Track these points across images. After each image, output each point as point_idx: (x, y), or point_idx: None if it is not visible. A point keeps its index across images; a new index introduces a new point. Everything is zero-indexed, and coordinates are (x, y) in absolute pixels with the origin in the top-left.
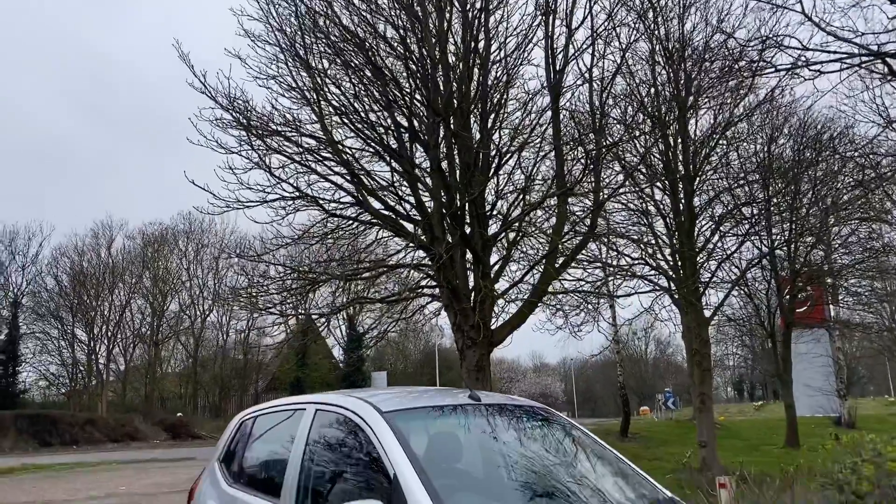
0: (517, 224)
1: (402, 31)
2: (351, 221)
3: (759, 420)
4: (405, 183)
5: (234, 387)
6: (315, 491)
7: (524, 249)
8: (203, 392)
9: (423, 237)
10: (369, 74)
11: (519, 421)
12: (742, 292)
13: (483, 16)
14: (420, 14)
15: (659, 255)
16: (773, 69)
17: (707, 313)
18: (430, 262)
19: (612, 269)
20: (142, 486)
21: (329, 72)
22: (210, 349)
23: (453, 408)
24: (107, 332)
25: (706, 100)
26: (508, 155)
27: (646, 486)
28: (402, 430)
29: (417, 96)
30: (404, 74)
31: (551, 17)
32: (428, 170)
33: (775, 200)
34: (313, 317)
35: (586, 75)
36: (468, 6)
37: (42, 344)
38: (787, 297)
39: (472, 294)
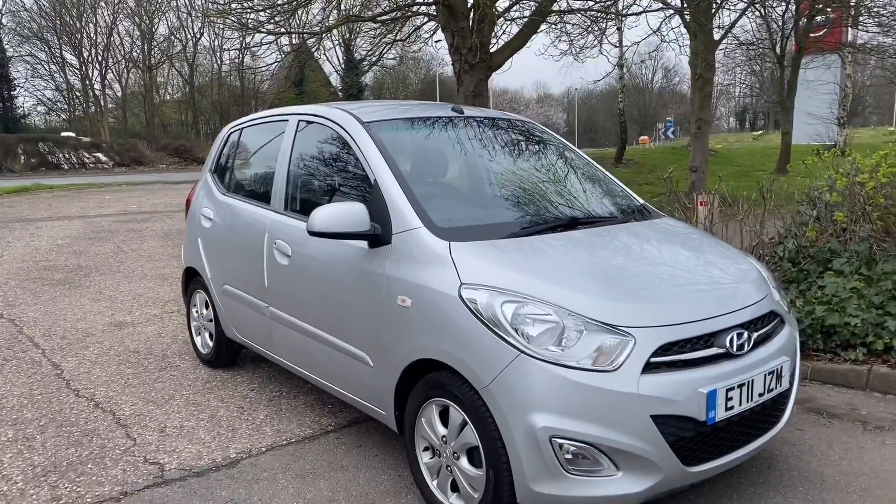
0: None
1: None
2: None
3: (756, 148)
4: None
5: (233, 113)
6: (301, 198)
7: None
8: (204, 119)
9: None
10: None
11: (503, 132)
12: (757, 13)
13: None
14: None
15: None
16: None
17: (717, 35)
18: None
19: None
20: (151, 204)
21: None
22: (206, 76)
23: (436, 119)
24: (96, 56)
25: None
26: None
27: (622, 196)
28: (382, 138)
29: None
30: None
31: None
32: None
33: None
34: (304, 36)
35: None
36: None
37: (32, 68)
38: (805, 19)
39: (471, 12)
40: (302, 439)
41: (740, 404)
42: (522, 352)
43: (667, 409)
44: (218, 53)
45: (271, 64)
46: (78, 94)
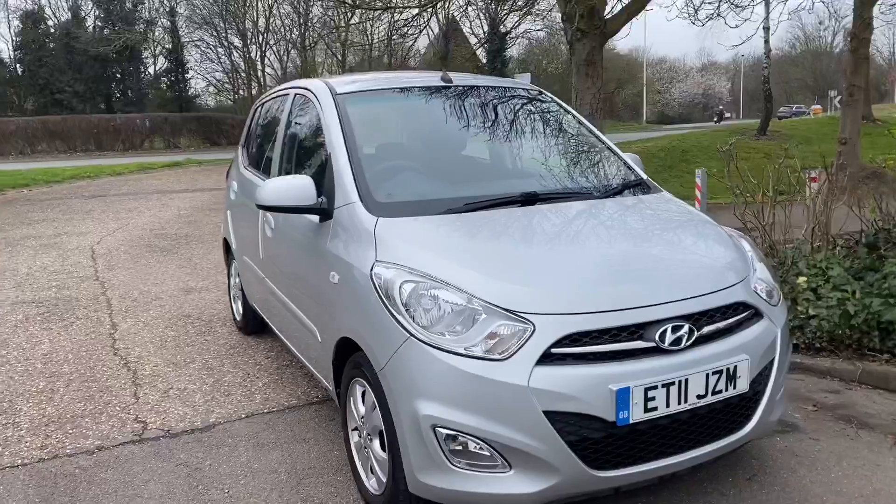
0: None
1: None
2: None
3: None
4: None
5: None
6: (287, 171)
7: None
8: None
9: None
10: None
11: (493, 102)
12: None
13: None
14: None
15: None
16: None
17: None
18: None
19: None
20: None
21: None
22: (357, 54)
23: (420, 89)
24: (257, 38)
25: None
26: None
27: (615, 170)
28: (348, 110)
29: None
30: None
31: None
32: None
33: None
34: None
35: None
36: None
37: (202, 52)
38: None
39: None
40: (284, 409)
41: (668, 406)
42: (412, 335)
43: (564, 406)
44: (368, 32)
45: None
46: (241, 74)
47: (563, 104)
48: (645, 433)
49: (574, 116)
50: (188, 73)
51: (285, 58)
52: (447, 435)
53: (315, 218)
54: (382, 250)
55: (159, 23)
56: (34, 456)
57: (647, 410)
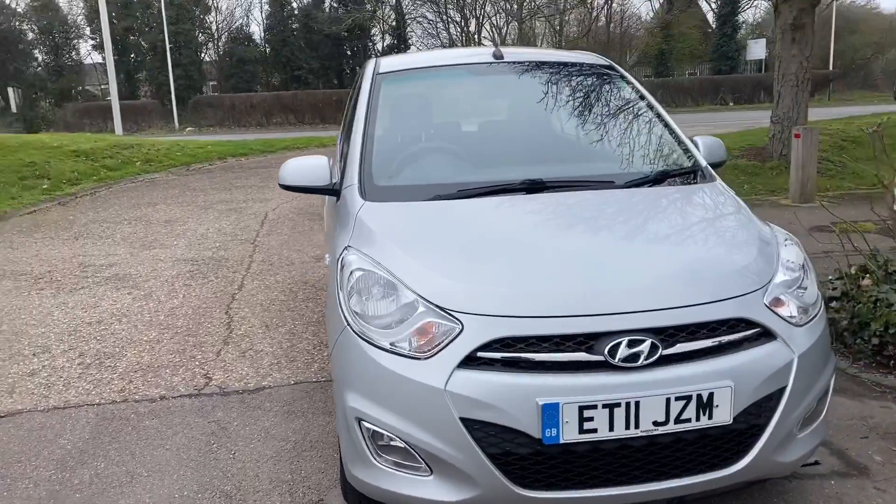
0: None
1: None
2: None
3: None
4: None
5: None
6: (342, 149)
7: None
8: None
9: None
10: None
11: (542, 82)
12: None
13: None
14: None
15: None
16: None
17: None
18: None
19: None
20: None
21: None
22: (573, 26)
23: (464, 67)
24: (476, 10)
25: None
26: None
27: (672, 155)
28: (381, 91)
29: None
30: None
31: None
32: None
33: None
34: None
35: None
36: None
37: (423, 27)
38: None
39: None
40: (330, 381)
41: (612, 429)
42: (348, 324)
43: (483, 415)
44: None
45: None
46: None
47: (632, 80)
48: (584, 456)
49: (639, 94)
50: (409, 48)
51: (505, 28)
52: (373, 431)
53: (334, 198)
54: (356, 236)
55: (386, 1)
56: (110, 398)
57: (582, 431)
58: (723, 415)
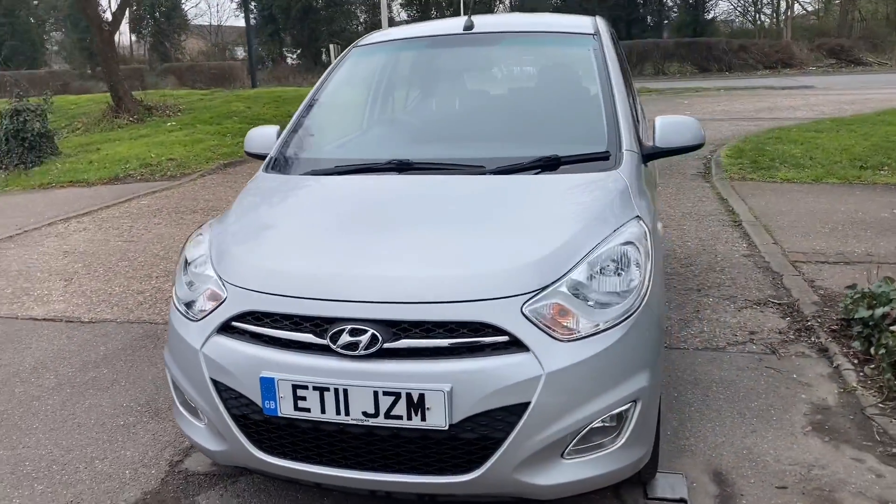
0: None
1: None
2: None
3: None
4: None
5: None
6: None
7: None
8: None
9: None
10: None
11: (501, 56)
12: None
13: None
14: None
15: None
16: None
17: None
18: None
19: None
20: (741, 109)
21: None
22: None
23: (431, 40)
24: None
25: None
26: None
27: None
28: (345, 63)
29: None
30: None
31: None
32: None
33: None
34: None
35: None
36: None
37: None
38: None
39: None
40: None
41: (323, 412)
42: (174, 286)
43: (223, 378)
44: None
45: None
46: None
47: (611, 50)
48: (307, 433)
49: (605, 68)
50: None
51: None
52: (173, 382)
53: None
54: (230, 208)
55: None
56: (162, 319)
57: (297, 409)
58: (437, 418)
